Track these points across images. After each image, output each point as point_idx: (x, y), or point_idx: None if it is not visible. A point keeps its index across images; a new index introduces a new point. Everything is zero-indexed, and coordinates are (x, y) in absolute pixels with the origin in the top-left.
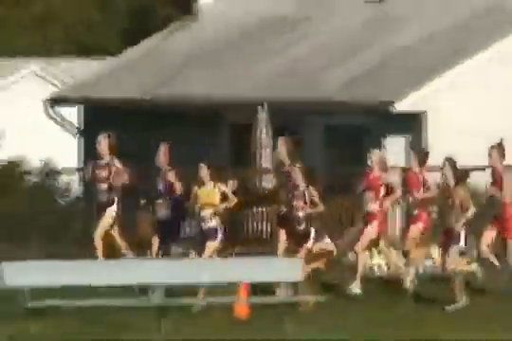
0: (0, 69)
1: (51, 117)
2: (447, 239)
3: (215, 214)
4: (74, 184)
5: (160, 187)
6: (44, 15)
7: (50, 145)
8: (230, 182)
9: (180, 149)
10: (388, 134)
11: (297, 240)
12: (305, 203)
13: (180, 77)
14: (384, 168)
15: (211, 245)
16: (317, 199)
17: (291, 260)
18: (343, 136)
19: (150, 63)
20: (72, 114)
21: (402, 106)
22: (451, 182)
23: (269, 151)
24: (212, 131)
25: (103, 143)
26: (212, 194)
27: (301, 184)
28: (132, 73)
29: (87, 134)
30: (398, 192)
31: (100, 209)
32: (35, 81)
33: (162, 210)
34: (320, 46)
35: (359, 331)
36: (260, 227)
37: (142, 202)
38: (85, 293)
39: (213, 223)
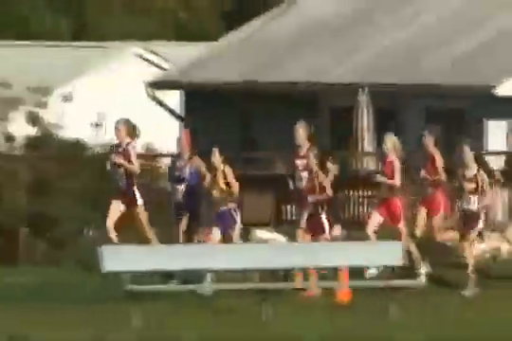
0: (104, 52)
1: (153, 101)
2: (466, 221)
3: (227, 198)
4: None
5: (185, 173)
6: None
7: (152, 129)
8: (331, 165)
9: (280, 132)
10: (490, 117)
11: (309, 224)
12: (314, 188)
13: (281, 60)
14: (399, 153)
15: (235, 228)
16: (326, 184)
17: (392, 244)
18: (444, 119)
19: (251, 48)
20: (174, 97)
21: (505, 90)
22: (473, 165)
23: (370, 133)
24: (313, 114)
25: (122, 129)
26: (221, 178)
27: (315, 169)
28: (233, 57)
29: (188, 117)
30: (396, 181)
31: (120, 194)
32: (138, 65)
33: (180, 195)
34: (423, 28)
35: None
36: (358, 211)
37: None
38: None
39: (226, 206)
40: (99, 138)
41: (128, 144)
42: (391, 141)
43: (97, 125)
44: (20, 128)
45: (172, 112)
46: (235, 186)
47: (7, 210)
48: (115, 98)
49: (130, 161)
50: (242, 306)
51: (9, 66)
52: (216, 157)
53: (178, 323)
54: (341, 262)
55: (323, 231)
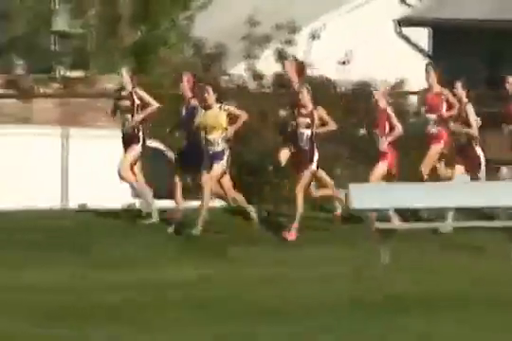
0: None
1: (401, 39)
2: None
3: (224, 138)
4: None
5: (182, 114)
6: None
7: (399, 66)
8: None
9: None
10: None
11: (298, 159)
12: (313, 122)
13: None
14: (388, 100)
15: (217, 168)
16: (326, 117)
17: None
18: None
19: None
20: (422, 35)
21: None
22: (464, 101)
23: None
24: None
25: (125, 75)
26: (220, 117)
27: (309, 104)
28: None
29: (435, 55)
30: (398, 130)
31: (125, 140)
32: (386, 2)
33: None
34: None
35: None
36: None
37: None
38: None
39: (220, 147)
40: (345, 76)
41: (135, 88)
42: (382, 87)
43: (343, 63)
44: (269, 65)
45: (419, 49)
46: (244, 115)
47: (256, 150)
48: (362, 35)
49: (144, 105)
50: (486, 245)
51: (258, 4)
52: (209, 94)
53: (422, 260)
54: None
55: (310, 164)
